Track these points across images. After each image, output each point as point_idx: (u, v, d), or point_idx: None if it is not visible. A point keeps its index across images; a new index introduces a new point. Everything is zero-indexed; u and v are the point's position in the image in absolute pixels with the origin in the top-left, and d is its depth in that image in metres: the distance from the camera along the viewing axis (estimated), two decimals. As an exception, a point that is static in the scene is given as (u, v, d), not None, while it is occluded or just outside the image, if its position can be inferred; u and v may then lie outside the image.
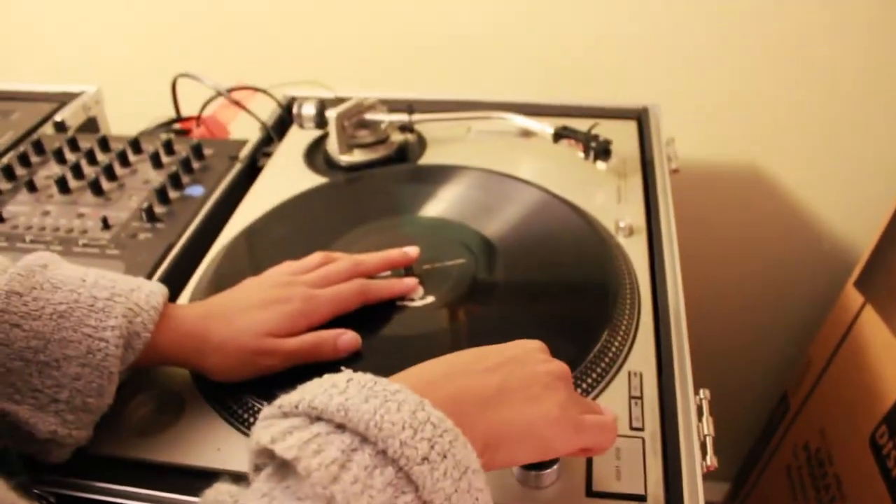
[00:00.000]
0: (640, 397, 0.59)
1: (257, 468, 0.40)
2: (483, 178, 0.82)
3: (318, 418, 0.38)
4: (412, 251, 0.69)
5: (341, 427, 0.37)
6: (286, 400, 0.39)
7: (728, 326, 1.39)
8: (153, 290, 0.58)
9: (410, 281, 0.67)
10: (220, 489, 0.37)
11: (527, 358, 0.49)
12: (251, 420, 0.59)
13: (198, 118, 1.02)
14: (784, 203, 1.21)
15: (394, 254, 0.68)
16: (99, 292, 0.55)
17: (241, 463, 0.56)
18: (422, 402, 0.38)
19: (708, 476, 0.55)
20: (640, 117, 0.95)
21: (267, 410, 0.40)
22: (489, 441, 0.43)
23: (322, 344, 0.60)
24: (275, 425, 0.38)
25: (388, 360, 0.59)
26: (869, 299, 1.04)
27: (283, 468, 0.37)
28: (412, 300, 0.66)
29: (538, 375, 0.47)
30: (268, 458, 0.39)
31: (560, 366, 0.50)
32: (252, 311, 0.60)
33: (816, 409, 1.16)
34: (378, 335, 0.64)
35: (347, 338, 0.61)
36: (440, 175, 0.83)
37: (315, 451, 0.35)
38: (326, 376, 0.41)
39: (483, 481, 0.39)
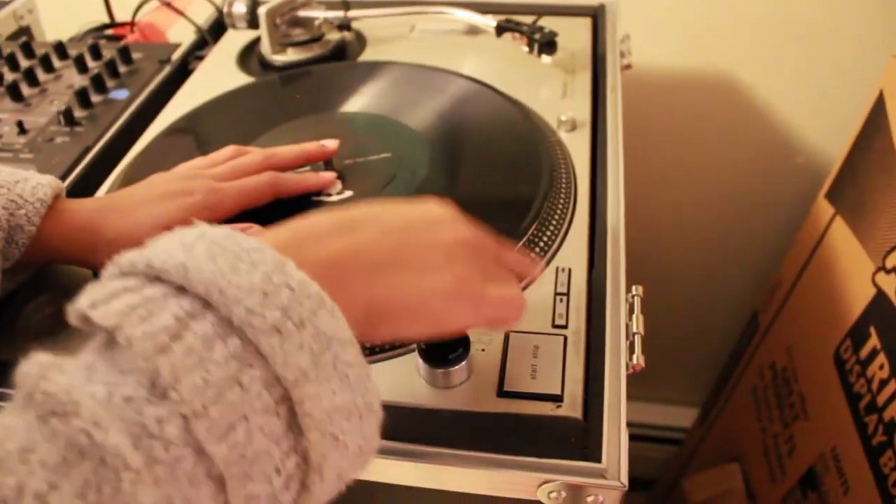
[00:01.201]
0: (567, 294, 0.55)
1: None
2: (414, 72, 0.77)
3: (157, 278, 0.31)
4: (331, 144, 0.64)
5: (182, 290, 0.31)
6: (125, 258, 0.33)
7: (696, 243, 1.35)
8: (41, 182, 0.54)
9: (327, 175, 0.62)
10: (40, 360, 0.29)
11: (433, 221, 0.42)
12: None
13: (131, 23, 0.96)
14: (754, 113, 1.15)
15: (310, 146, 0.64)
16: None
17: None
18: (282, 263, 0.32)
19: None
20: (596, 14, 0.90)
21: (106, 270, 0.33)
22: (371, 311, 0.37)
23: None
24: (103, 287, 0.32)
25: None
26: (839, 210, 1.00)
27: (100, 334, 0.31)
28: (329, 195, 0.62)
29: (440, 241, 0.41)
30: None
31: (471, 232, 0.43)
32: (151, 203, 0.56)
33: (785, 327, 1.13)
34: None
35: (252, 233, 0.57)
36: (370, 71, 0.78)
37: (142, 317, 0.29)
38: (178, 230, 0.34)
39: (355, 355, 0.33)
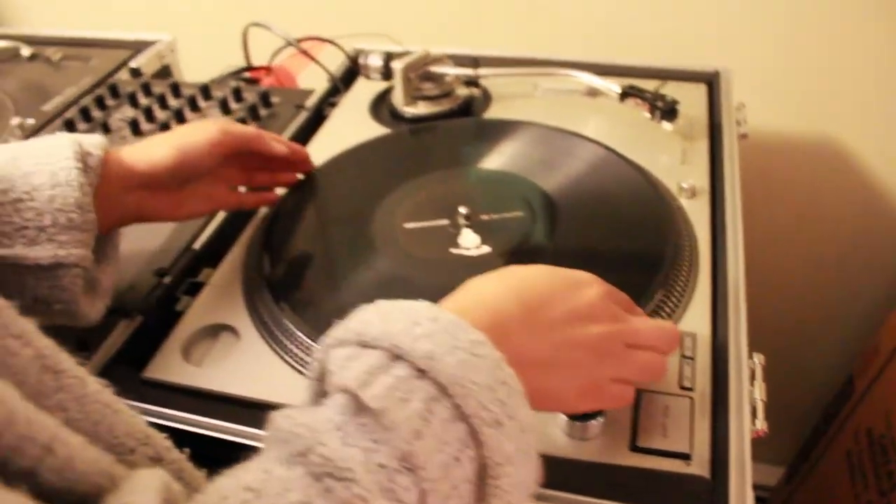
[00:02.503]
0: (692, 357, 0.58)
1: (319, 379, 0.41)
2: (544, 133, 0.81)
3: (400, 357, 0.37)
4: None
5: (421, 372, 0.37)
6: (364, 328, 0.38)
7: (795, 303, 1.35)
8: (90, 136, 0.62)
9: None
10: (294, 417, 0.36)
11: (587, 313, 0.47)
12: (303, 356, 0.60)
13: (268, 68, 1.03)
14: (861, 179, 1.16)
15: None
16: (43, 138, 0.59)
17: (292, 397, 0.57)
18: (499, 360, 0.38)
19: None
20: (711, 81, 0.93)
21: (340, 332, 0.40)
22: (540, 398, 0.43)
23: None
24: (354, 360, 0.37)
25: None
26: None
27: (356, 400, 0.36)
28: (468, 249, 0.66)
29: (590, 341, 0.47)
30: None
31: (617, 328, 0.48)
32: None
33: (882, 393, 1.13)
34: (432, 283, 0.64)
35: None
36: (501, 129, 0.82)
37: (400, 399, 0.35)
38: (404, 304, 0.41)
39: (535, 438, 0.40)
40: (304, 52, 0.97)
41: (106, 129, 0.91)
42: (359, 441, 0.35)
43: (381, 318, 0.39)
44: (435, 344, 0.37)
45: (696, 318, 0.62)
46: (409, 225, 0.70)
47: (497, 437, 0.36)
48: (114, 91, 0.99)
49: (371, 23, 1.05)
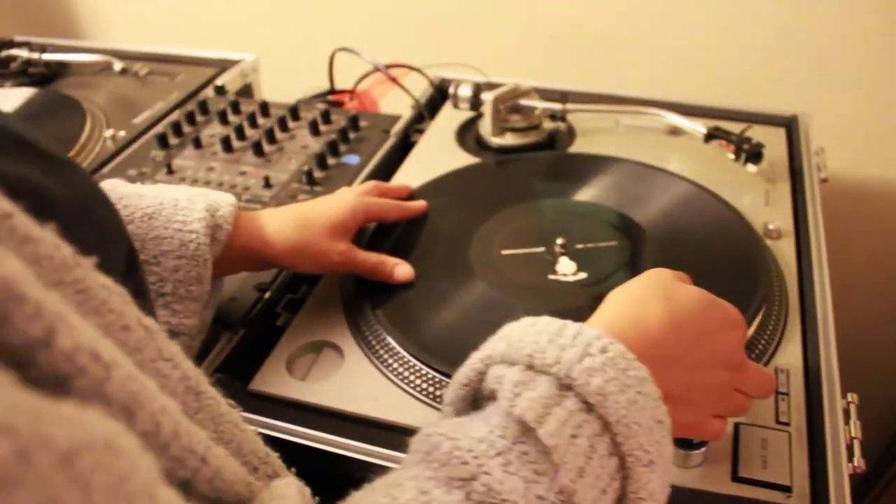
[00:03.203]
0: (787, 393, 0.60)
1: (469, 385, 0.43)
2: (635, 168, 0.83)
3: (569, 387, 0.39)
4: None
5: (589, 405, 0.38)
6: (536, 350, 0.39)
7: (875, 343, 1.35)
8: (223, 195, 0.64)
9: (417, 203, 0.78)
10: (453, 438, 0.37)
11: (726, 360, 0.50)
12: (405, 374, 0.62)
13: (352, 91, 1.06)
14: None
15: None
16: (179, 194, 0.61)
17: (395, 413, 0.60)
18: (658, 400, 0.40)
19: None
20: (790, 125, 0.95)
21: (506, 348, 0.41)
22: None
23: (383, 264, 0.69)
24: (526, 388, 0.38)
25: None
26: None
27: (525, 428, 0.38)
28: (565, 275, 0.69)
29: (717, 386, 0.49)
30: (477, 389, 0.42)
31: (739, 377, 0.51)
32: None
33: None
34: (531, 307, 0.66)
35: (404, 269, 0.69)
36: (593, 164, 0.85)
37: (571, 436, 0.37)
38: (571, 327, 0.42)
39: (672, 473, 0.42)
40: (393, 79, 1.00)
41: (198, 143, 0.94)
42: (520, 470, 0.36)
43: (549, 339, 0.40)
44: (606, 379, 0.38)
45: (788, 354, 0.64)
46: (507, 252, 0.72)
47: (648, 475, 0.38)
48: (203, 108, 1.02)
49: (449, 53, 1.08)
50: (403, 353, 0.63)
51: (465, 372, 0.43)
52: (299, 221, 0.67)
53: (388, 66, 1.02)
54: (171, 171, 0.91)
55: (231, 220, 0.63)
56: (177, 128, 0.98)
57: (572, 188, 0.82)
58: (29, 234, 0.27)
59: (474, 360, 0.42)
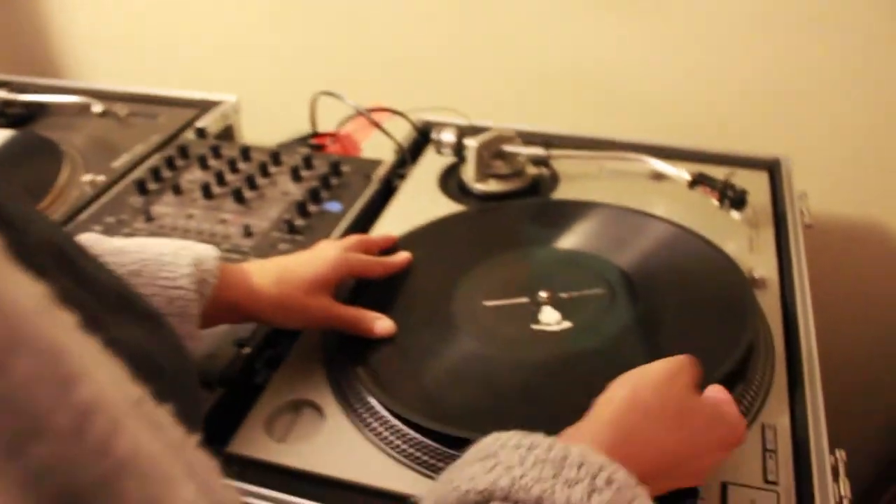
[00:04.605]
0: (775, 451, 0.59)
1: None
2: (621, 214, 0.82)
3: None
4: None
5: None
6: (543, 491, 0.39)
7: (859, 389, 1.35)
8: (207, 247, 0.63)
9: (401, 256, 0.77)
10: None
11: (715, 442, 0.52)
12: (388, 435, 0.61)
13: (334, 135, 1.05)
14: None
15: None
16: (163, 248, 0.60)
17: (377, 478, 0.58)
18: None
19: None
20: (772, 168, 0.94)
21: (505, 482, 0.40)
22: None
23: (363, 319, 0.68)
24: None
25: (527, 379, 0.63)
26: None
27: None
28: (549, 324, 0.68)
29: (702, 462, 0.51)
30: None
31: (726, 439, 0.53)
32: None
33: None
34: (516, 359, 0.66)
35: (385, 323, 0.68)
36: (577, 210, 0.84)
37: None
38: (578, 454, 0.41)
39: None
40: (376, 124, 0.99)
41: (177, 189, 0.93)
42: None
43: (554, 472, 0.40)
44: None
45: (775, 410, 0.63)
46: (489, 303, 0.71)
47: None
48: (183, 152, 1.01)
49: (434, 96, 1.07)
50: (385, 413, 0.62)
51: (456, 498, 0.41)
52: (281, 276, 0.66)
53: (371, 110, 1.01)
54: (149, 219, 0.89)
55: (217, 274, 0.61)
56: (156, 173, 0.96)
57: (557, 235, 0.81)
58: (157, 420, 0.26)
59: (467, 490, 0.41)
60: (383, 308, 0.70)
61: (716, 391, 0.55)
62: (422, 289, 0.75)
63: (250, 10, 1.34)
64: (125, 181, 0.98)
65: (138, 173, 0.98)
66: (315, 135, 1.07)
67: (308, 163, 0.96)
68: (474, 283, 0.74)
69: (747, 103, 1.12)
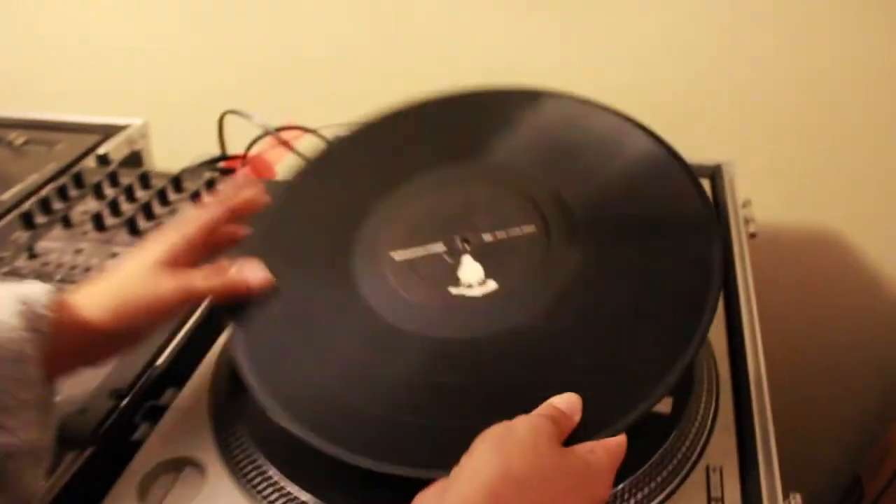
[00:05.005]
0: (721, 499, 0.51)
1: None
2: (569, 107, 0.65)
3: None
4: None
5: None
6: None
7: (802, 397, 1.29)
8: (36, 284, 0.53)
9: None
10: None
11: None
12: (274, 496, 0.53)
13: (243, 157, 0.97)
14: (869, 275, 1.12)
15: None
16: None
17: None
18: None
19: None
20: (713, 175, 0.88)
21: None
22: None
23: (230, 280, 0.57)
24: None
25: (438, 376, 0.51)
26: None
27: None
28: (471, 286, 0.54)
29: None
30: None
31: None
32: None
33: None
34: (435, 339, 0.53)
35: (255, 271, 0.57)
36: (500, 105, 0.67)
37: None
38: None
39: None
40: (283, 142, 0.91)
41: (67, 222, 0.84)
42: None
43: None
44: None
45: (720, 448, 0.55)
46: (399, 255, 0.58)
47: None
48: (78, 180, 0.92)
49: (352, 112, 1.00)
50: (274, 473, 0.54)
51: None
52: (113, 278, 0.56)
53: (281, 129, 0.94)
54: (33, 256, 0.80)
55: (52, 307, 0.51)
56: (45, 205, 0.87)
57: (480, 145, 0.64)
58: None
59: None
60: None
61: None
62: (317, 239, 0.62)
63: (155, 26, 1.25)
64: (11, 215, 0.89)
65: (26, 206, 0.89)
66: (225, 158, 0.99)
67: (211, 187, 0.88)
68: (380, 224, 0.60)
69: (686, 107, 1.07)
